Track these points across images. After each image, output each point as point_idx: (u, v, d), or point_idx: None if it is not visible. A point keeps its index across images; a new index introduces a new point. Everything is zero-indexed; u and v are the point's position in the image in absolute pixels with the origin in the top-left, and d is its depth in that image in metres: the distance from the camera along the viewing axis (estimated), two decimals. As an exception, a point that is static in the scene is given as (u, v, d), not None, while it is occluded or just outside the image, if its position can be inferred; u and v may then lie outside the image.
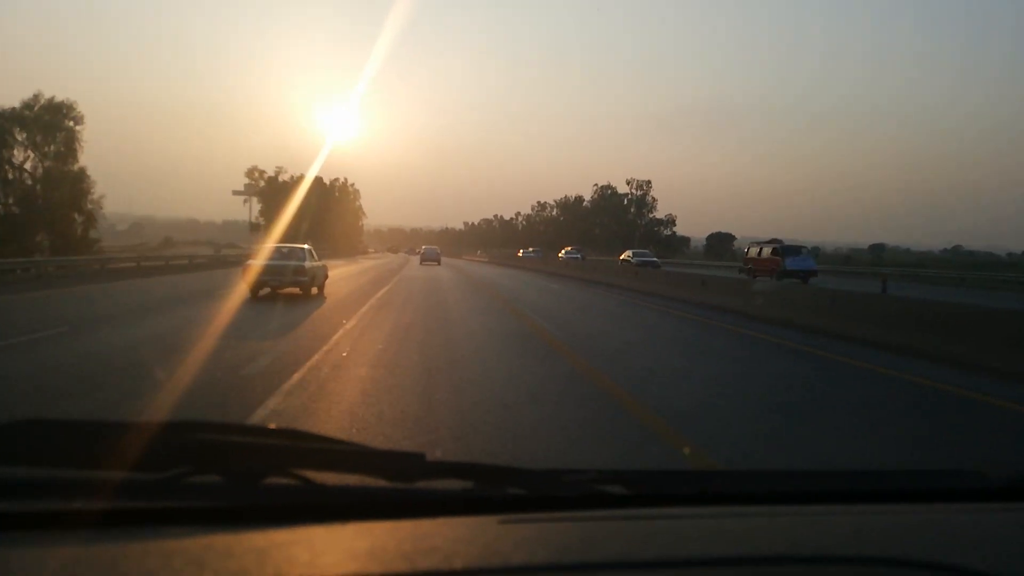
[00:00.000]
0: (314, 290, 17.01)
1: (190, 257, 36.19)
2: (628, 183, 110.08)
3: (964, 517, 1.08)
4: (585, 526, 0.96)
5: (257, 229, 77.10)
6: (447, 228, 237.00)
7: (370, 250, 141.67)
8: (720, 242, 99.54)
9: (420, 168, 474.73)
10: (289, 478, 0.99)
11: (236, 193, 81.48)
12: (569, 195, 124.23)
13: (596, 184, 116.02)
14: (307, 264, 16.35)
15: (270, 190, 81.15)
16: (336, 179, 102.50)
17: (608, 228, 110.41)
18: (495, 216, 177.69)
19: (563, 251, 62.87)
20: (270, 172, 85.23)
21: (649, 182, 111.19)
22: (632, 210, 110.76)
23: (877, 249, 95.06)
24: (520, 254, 66.70)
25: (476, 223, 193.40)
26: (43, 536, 0.84)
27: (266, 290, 16.06)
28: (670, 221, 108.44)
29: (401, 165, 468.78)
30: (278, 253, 16.80)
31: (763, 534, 0.95)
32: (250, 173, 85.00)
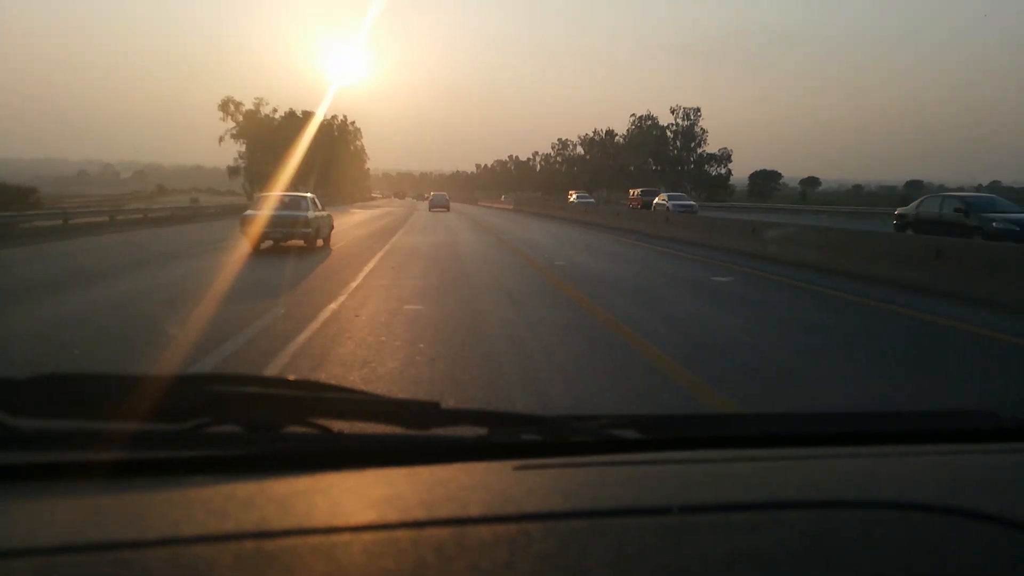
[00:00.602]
0: (319, 242, 16.31)
1: (145, 211, 31.54)
2: (673, 111, 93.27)
3: (976, 458, 1.11)
4: (599, 471, 1.01)
5: (237, 173, 70.90)
6: (458, 171, 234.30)
7: (375, 195, 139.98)
8: (765, 181, 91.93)
9: (431, 109, 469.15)
10: (307, 427, 1.04)
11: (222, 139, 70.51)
12: (598, 129, 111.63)
13: (633, 115, 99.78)
14: (310, 215, 15.52)
15: (252, 128, 71.63)
16: (335, 117, 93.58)
17: (645, 167, 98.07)
18: (510, 157, 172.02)
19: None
20: (249, 105, 72.46)
21: (698, 110, 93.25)
22: (678, 143, 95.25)
23: (913, 186, 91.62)
24: (573, 197, 56.28)
25: (489, 165, 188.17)
26: (67, 486, 0.90)
27: (268, 243, 15.31)
28: (724, 157, 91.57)
29: (410, 106, 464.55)
30: (279, 203, 15.96)
31: (775, 478, 1.00)
32: (224, 106, 70.17)
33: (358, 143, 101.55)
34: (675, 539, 0.79)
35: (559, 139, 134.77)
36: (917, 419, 1.38)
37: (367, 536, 0.77)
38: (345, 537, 0.77)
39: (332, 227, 18.16)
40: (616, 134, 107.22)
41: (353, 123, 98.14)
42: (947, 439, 1.22)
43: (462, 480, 0.94)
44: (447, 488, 0.90)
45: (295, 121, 75.96)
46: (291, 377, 2.76)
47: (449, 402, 2.89)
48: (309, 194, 17.06)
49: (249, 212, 15.61)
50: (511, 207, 57.81)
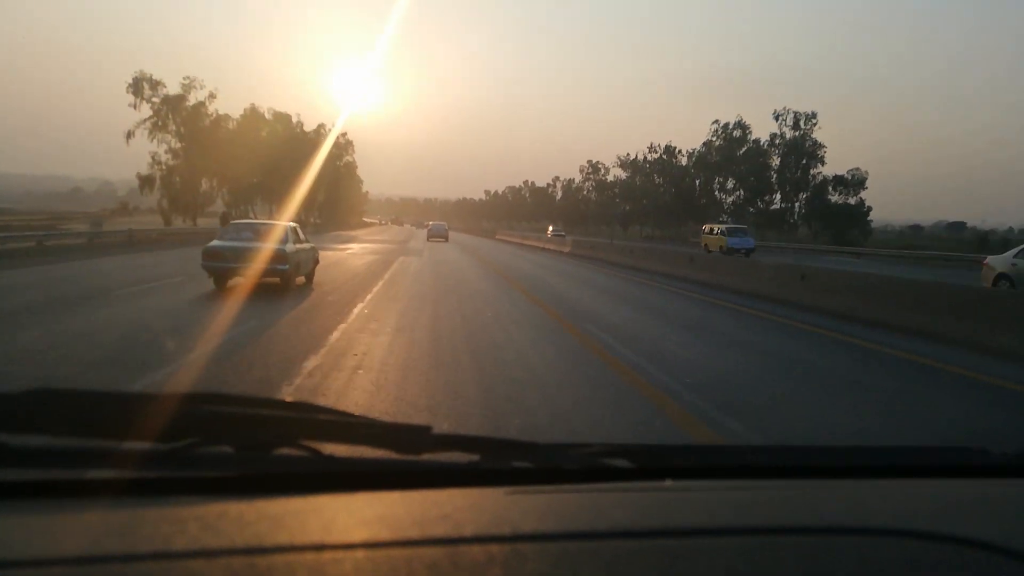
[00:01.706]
0: (300, 279, 14.71)
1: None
2: (777, 117, 73.63)
3: (970, 490, 1.21)
4: (592, 497, 1.07)
5: (150, 186, 55.10)
6: (464, 199, 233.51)
7: (371, 220, 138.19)
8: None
9: (437, 134, 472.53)
10: (299, 449, 1.09)
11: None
12: (655, 144, 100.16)
13: (716, 121, 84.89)
14: (289, 248, 13.74)
15: (189, 124, 55.68)
16: (321, 125, 79.88)
17: (725, 193, 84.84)
18: (525, 183, 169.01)
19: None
20: (174, 88, 55.82)
21: (813, 115, 72.98)
22: (784, 160, 74.34)
23: (955, 228, 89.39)
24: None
25: (500, 191, 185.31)
26: (59, 504, 0.95)
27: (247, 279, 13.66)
28: (857, 181, 69.88)
29: (416, 131, 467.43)
30: (252, 233, 14.22)
31: (770, 505, 1.07)
32: (136, 86, 53.81)
33: (348, 159, 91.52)
34: (669, 562, 0.83)
35: (589, 161, 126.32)
36: (912, 454, 1.48)
37: (360, 554, 0.82)
38: (338, 555, 0.81)
39: (317, 261, 16.42)
40: (677, 150, 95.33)
41: (344, 135, 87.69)
42: (941, 474, 1.30)
43: (455, 502, 0.99)
44: (440, 509, 0.95)
45: (259, 123, 66.63)
46: (286, 398, 2.69)
47: (443, 426, 2.93)
48: (290, 223, 15.32)
49: (215, 243, 13.84)
50: (566, 249, 37.94)
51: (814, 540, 0.91)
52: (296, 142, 69.28)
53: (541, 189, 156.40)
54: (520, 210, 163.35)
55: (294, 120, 75.18)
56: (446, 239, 51.11)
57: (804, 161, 72.50)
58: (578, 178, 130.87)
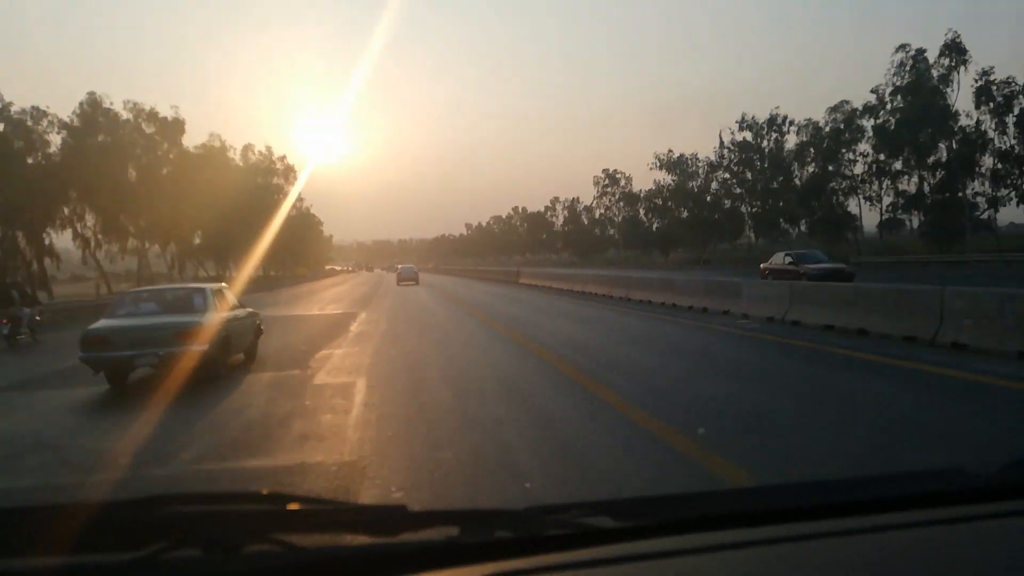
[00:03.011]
0: (238, 357, 12.57)
1: None
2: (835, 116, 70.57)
3: (951, 528, 1.29)
4: (578, 568, 1.11)
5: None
6: (444, 236, 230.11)
7: (336, 267, 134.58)
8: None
9: (409, 175, 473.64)
10: (270, 544, 1.13)
11: None
12: (688, 154, 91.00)
13: (741, 117, 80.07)
14: (207, 319, 10.61)
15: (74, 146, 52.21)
16: (266, 151, 78.07)
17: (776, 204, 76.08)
18: (515, 210, 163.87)
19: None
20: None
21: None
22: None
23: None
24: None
25: (485, 223, 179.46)
26: None
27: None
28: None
29: (389, 173, 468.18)
30: (155, 303, 11.18)
31: (763, 565, 1.15)
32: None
33: (284, 190, 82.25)
34: None
35: (605, 170, 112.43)
36: (886, 483, 1.54)
37: None
38: None
39: (261, 331, 13.47)
40: (717, 156, 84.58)
41: (290, 164, 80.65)
42: (920, 503, 1.38)
43: None
44: None
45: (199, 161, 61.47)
46: (263, 491, 2.58)
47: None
48: (211, 285, 12.34)
49: (100, 324, 10.72)
50: (620, 291, 28.47)
51: None
52: (246, 186, 66.18)
53: (537, 214, 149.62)
54: (512, 242, 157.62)
55: (235, 159, 72.00)
56: (416, 282, 57.80)
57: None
58: (592, 193, 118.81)
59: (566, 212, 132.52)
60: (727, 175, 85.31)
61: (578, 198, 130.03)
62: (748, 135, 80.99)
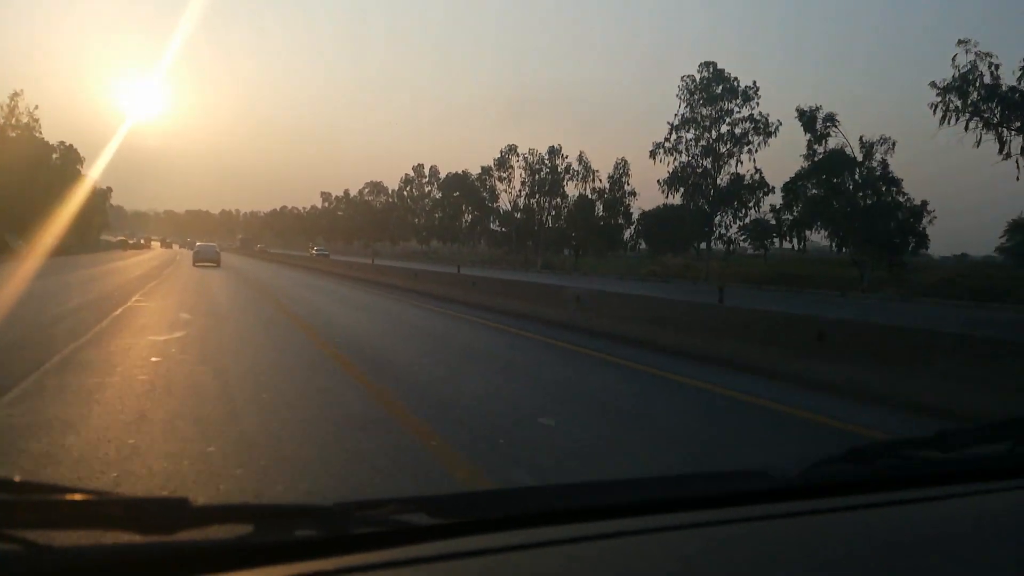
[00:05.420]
0: None
1: None
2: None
3: (760, 525, 1.31)
4: (389, 568, 1.02)
5: None
6: (285, 208, 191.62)
7: (119, 239, 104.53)
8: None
9: (239, 143, 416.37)
10: (7, 543, 0.94)
11: None
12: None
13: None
14: None
15: None
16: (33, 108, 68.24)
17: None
18: (369, 184, 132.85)
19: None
20: None
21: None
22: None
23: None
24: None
25: (353, 194, 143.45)
26: None
27: None
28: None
29: (215, 139, 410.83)
30: None
31: (573, 562, 1.13)
32: None
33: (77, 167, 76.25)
34: None
35: (509, 146, 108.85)
36: (692, 482, 1.55)
37: None
38: None
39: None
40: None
41: (64, 142, 73.88)
42: (727, 502, 1.37)
43: None
44: None
45: None
46: (14, 477, 1.70)
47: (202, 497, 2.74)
48: None
49: None
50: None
51: None
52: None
53: (395, 191, 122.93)
54: (375, 220, 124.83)
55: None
56: (217, 264, 46.19)
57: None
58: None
59: (434, 190, 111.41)
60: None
61: (489, 167, 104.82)
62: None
